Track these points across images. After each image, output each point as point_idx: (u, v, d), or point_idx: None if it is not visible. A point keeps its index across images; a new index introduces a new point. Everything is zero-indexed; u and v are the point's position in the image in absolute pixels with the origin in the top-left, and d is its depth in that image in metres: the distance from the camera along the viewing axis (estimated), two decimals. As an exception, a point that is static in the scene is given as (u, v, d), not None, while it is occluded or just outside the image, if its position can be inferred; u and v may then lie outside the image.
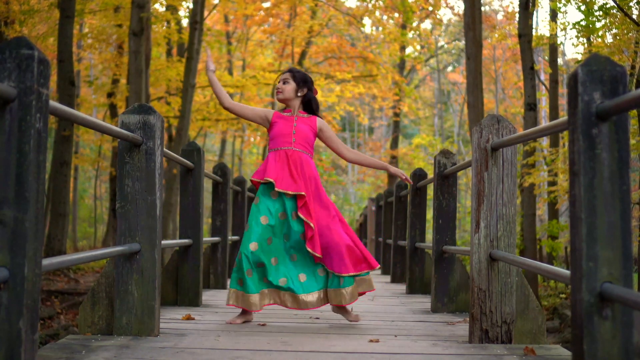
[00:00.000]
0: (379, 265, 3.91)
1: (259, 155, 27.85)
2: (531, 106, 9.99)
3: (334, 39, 22.24)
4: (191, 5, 15.12)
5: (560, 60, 18.88)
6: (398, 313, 4.46)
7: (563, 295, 11.26)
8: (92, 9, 16.33)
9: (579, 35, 9.96)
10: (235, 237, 6.97)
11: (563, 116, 3.37)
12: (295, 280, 3.78)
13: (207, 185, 17.93)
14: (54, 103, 2.21)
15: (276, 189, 3.74)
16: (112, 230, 15.74)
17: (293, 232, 3.75)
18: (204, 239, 5.20)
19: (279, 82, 3.97)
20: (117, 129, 3.00)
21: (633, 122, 8.41)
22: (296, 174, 3.77)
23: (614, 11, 8.48)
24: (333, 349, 2.95)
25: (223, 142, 25.22)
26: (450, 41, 32.90)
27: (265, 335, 3.28)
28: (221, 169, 6.09)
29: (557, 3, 11.19)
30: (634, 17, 8.18)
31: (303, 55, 21.39)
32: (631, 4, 8.29)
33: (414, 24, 21.00)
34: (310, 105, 3.95)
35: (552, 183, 12.53)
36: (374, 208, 12.41)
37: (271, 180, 3.74)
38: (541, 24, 29.55)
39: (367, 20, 24.35)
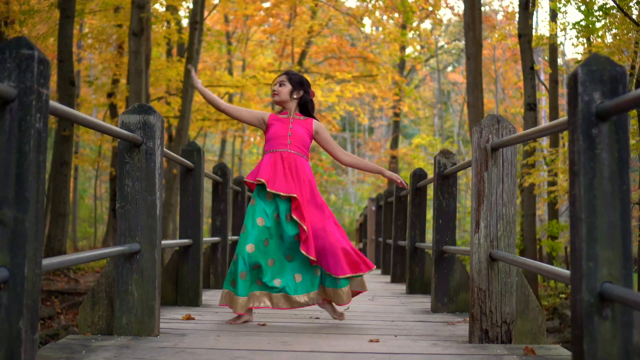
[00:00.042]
0: (374, 267, 3.91)
1: (259, 155, 27.87)
2: (531, 106, 9.99)
3: (334, 39, 22.24)
4: (191, 5, 15.12)
5: (560, 60, 18.88)
6: (398, 313, 4.46)
7: (563, 295, 11.26)
8: (92, 9, 16.33)
9: (579, 35, 9.96)
10: (235, 237, 6.96)
11: (563, 116, 3.37)
12: (291, 281, 3.78)
13: (207, 185, 17.93)
14: (54, 103, 2.21)
15: (268, 189, 3.73)
16: (112, 230, 15.74)
17: (287, 234, 3.75)
18: (204, 239, 5.20)
19: (275, 84, 3.95)
20: (117, 129, 3.00)
21: (633, 122, 8.41)
22: (290, 176, 3.76)
23: (614, 11, 8.48)
24: (333, 349, 2.95)
25: (223, 142, 25.22)
26: (450, 41, 32.90)
27: (265, 335, 3.28)
28: (221, 169, 6.09)
29: (557, 3, 11.19)
30: (634, 17, 8.18)
31: (303, 55, 21.39)
32: (631, 4, 8.29)
33: (414, 24, 20.99)
34: (306, 108, 3.94)
35: (552, 183, 12.53)
36: (374, 208, 12.41)
37: (263, 181, 3.74)
38: (541, 24, 29.54)
39: (367, 20, 24.38)
